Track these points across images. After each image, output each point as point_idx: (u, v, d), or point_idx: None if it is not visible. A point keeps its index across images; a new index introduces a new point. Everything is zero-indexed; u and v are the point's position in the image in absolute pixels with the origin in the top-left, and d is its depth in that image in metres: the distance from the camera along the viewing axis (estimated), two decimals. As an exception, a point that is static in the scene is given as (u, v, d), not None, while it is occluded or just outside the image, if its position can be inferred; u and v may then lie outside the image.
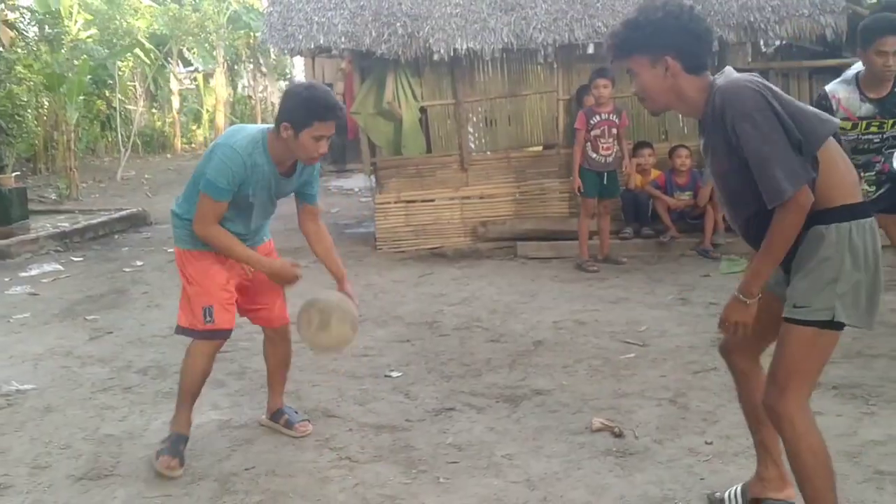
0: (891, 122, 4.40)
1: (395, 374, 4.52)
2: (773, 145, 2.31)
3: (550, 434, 3.64)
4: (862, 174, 4.55)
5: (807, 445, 2.45)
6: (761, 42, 8.08)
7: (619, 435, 3.57)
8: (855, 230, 2.38)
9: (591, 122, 7.00)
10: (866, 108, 4.38)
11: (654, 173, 7.82)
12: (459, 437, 3.64)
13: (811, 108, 2.49)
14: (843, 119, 4.39)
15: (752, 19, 7.68)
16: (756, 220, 2.47)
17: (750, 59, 8.69)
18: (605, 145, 7.03)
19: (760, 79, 2.43)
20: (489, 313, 5.76)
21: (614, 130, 7.06)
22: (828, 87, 4.47)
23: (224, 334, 3.44)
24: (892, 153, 4.54)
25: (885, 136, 4.45)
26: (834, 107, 4.38)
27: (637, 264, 7.21)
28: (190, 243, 3.39)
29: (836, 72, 8.29)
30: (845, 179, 2.42)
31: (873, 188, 4.61)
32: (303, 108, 3.10)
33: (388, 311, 5.88)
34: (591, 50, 7.77)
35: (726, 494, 2.95)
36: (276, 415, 3.79)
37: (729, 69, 2.56)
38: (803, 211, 2.34)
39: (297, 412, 3.84)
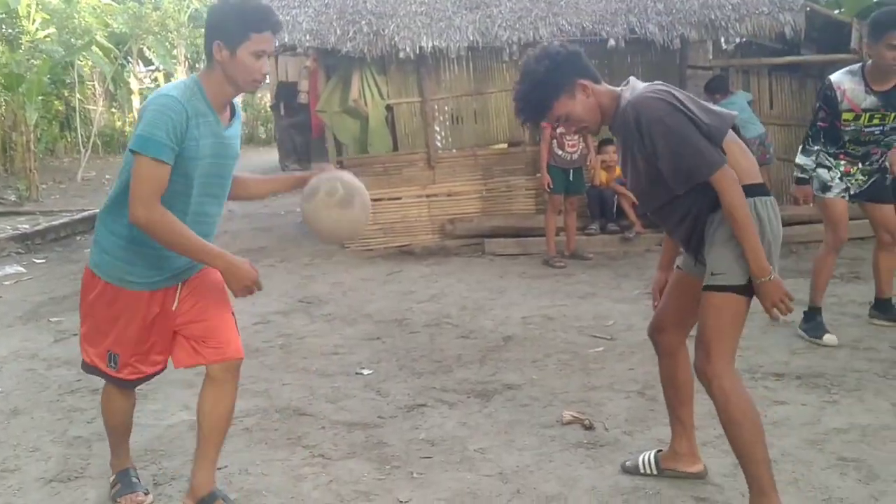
0: (893, 115, 4.46)
1: (366, 371, 4.53)
2: (689, 136, 2.57)
3: (522, 427, 3.67)
4: (860, 165, 4.63)
5: (734, 401, 2.65)
6: (722, 39, 8.21)
7: (590, 427, 3.62)
8: (759, 205, 2.64)
9: (557, 119, 7.05)
10: (870, 101, 4.43)
11: (619, 170, 7.90)
12: (432, 433, 3.66)
13: (711, 105, 2.75)
14: (846, 110, 4.46)
15: (712, 17, 7.80)
16: (674, 206, 2.74)
17: (710, 57, 8.83)
18: (570, 142, 7.10)
19: (664, 86, 2.70)
20: (458, 310, 5.78)
21: (579, 127, 7.12)
22: (833, 78, 4.52)
23: (134, 384, 2.96)
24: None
25: (885, 128, 4.51)
26: (839, 97, 4.45)
27: (603, 260, 7.29)
28: (109, 274, 2.75)
29: (794, 69, 8.49)
30: (743, 163, 2.68)
31: (865, 178, 4.66)
32: (234, 19, 2.57)
33: (357, 310, 5.88)
34: (555, 48, 7.82)
35: (640, 460, 3.17)
36: (206, 500, 2.93)
37: (633, 80, 2.81)
38: (737, 181, 2.57)
39: (232, 498, 3.06)
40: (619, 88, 2.78)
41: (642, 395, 3.98)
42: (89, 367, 2.94)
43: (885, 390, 3.91)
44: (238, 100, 2.83)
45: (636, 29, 7.77)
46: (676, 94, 2.66)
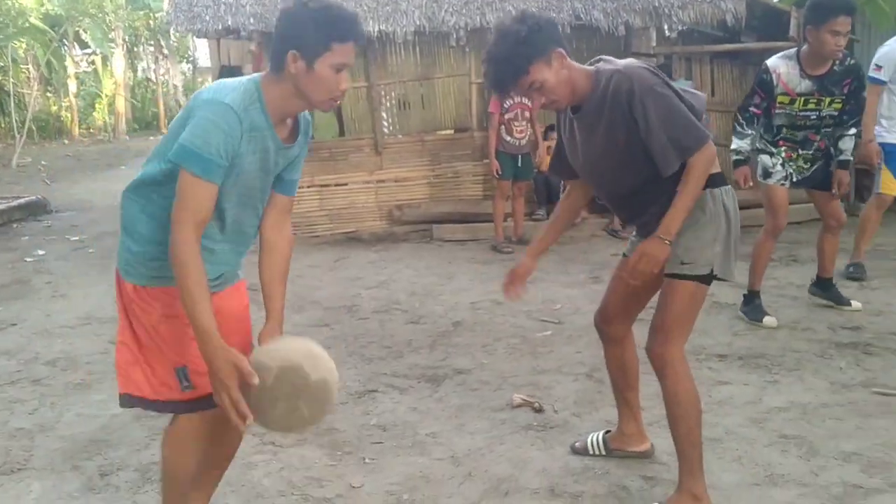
0: (828, 100, 4.50)
1: (316, 358, 4.50)
2: (680, 108, 2.56)
3: (472, 411, 3.70)
4: (799, 151, 4.68)
5: (684, 387, 2.71)
6: (665, 27, 8.31)
7: (539, 410, 3.66)
8: (724, 195, 2.69)
9: (505, 105, 7.09)
10: (805, 85, 4.46)
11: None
12: (383, 418, 3.66)
13: (683, 87, 2.77)
14: (781, 94, 4.50)
15: (656, 4, 7.91)
16: (642, 190, 2.69)
17: (654, 44, 8.94)
18: (518, 128, 7.14)
19: (643, 63, 2.69)
20: (407, 296, 5.78)
21: (527, 113, 7.18)
22: (769, 62, 4.55)
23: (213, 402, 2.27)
24: (845, 136, 4.66)
25: (822, 114, 4.55)
26: (774, 81, 4.48)
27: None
28: (146, 277, 2.28)
29: (735, 56, 8.66)
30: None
31: (808, 165, 4.72)
32: (316, 27, 2.16)
33: (304, 297, 5.84)
34: (502, 33, 7.84)
35: (589, 441, 3.21)
36: None
37: (606, 57, 2.75)
38: (713, 159, 2.60)
39: None
40: (591, 68, 2.69)
41: (590, 378, 4.04)
42: (159, 404, 2.37)
43: (823, 369, 4.04)
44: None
45: (581, 15, 7.84)
46: (661, 73, 2.65)
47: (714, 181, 2.66)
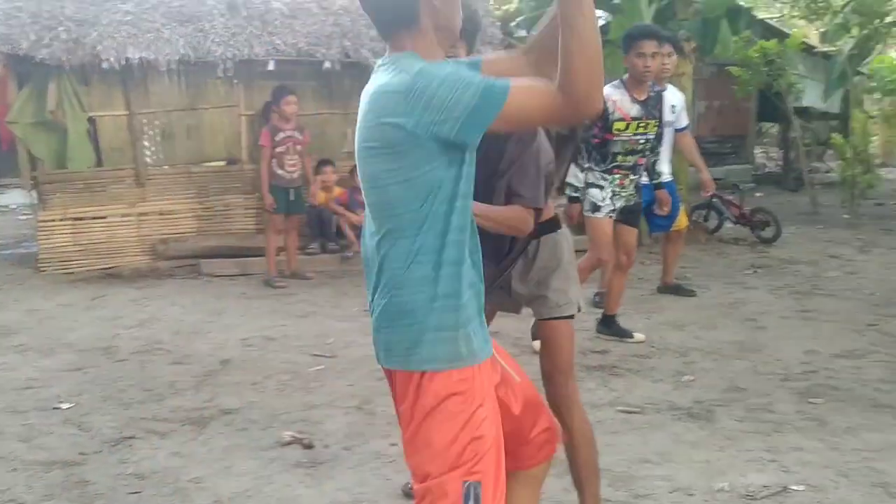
0: (652, 122, 4.77)
1: (65, 405, 4.16)
2: (540, 162, 2.58)
3: (240, 452, 3.57)
4: (631, 176, 4.87)
5: (586, 420, 2.77)
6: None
7: (310, 446, 3.60)
8: (569, 236, 2.84)
9: (276, 138, 7.01)
10: (636, 109, 4.71)
11: (338, 191, 7.99)
12: (141, 466, 3.44)
13: None
14: (618, 120, 4.70)
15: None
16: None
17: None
18: (290, 162, 7.08)
19: None
20: (172, 334, 5.51)
21: (298, 147, 7.14)
22: (604, 91, 4.77)
23: None
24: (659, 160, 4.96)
25: (648, 136, 4.80)
26: (610, 108, 4.68)
27: (324, 279, 7.33)
28: (450, 354, 1.74)
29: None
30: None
31: (633, 192, 4.92)
32: None
33: (55, 339, 5.39)
34: (271, 66, 7.78)
35: None
36: None
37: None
38: (525, 225, 2.59)
39: None
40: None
41: (361, 410, 4.05)
42: None
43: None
44: None
45: (350, 53, 7.94)
46: None
47: (558, 224, 2.78)
